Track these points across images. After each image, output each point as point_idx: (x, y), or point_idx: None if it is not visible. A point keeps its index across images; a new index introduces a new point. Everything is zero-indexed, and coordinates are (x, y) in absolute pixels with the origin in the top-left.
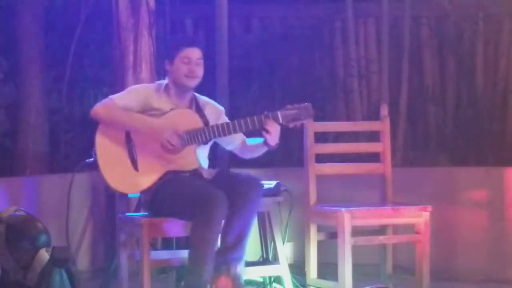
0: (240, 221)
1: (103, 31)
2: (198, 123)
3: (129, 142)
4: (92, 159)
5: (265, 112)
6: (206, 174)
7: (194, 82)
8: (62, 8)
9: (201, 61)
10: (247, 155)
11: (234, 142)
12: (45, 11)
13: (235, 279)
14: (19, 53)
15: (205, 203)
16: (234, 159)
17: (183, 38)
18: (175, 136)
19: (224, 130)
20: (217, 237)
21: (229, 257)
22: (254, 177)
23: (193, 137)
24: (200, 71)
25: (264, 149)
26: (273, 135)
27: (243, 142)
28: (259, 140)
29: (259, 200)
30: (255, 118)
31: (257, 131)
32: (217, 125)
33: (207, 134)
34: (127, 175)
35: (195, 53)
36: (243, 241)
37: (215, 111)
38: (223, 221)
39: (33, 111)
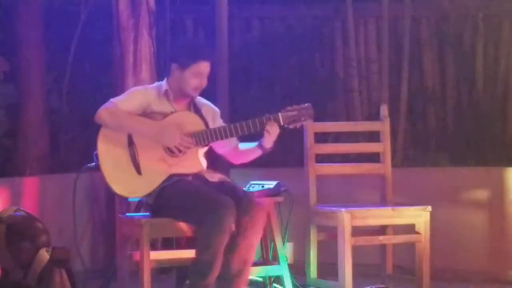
0: (245, 247)
1: (103, 31)
2: (200, 125)
3: (131, 145)
4: (94, 163)
5: (266, 115)
6: (209, 177)
7: (198, 93)
8: (62, 8)
9: (208, 73)
10: (239, 160)
11: (227, 146)
12: (45, 11)
13: None
14: (19, 53)
15: (215, 210)
16: None
17: (200, 49)
18: (186, 137)
19: (227, 133)
20: (225, 241)
21: (234, 283)
22: (259, 202)
23: (196, 140)
24: (206, 83)
25: (258, 153)
26: (272, 137)
27: (236, 147)
28: (253, 144)
29: (263, 225)
30: (257, 120)
31: (256, 134)
32: (219, 128)
33: (209, 136)
34: (130, 179)
35: (208, 68)
36: (248, 266)
37: (212, 113)
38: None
39: (33, 111)
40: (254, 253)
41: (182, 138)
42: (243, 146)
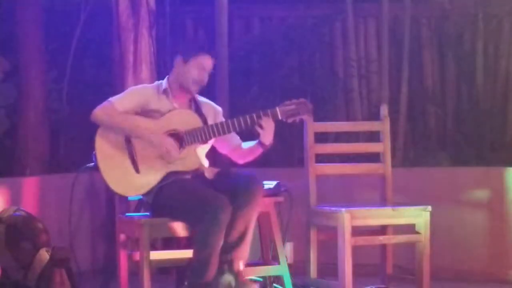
0: (242, 219)
1: (103, 31)
2: (197, 122)
3: (129, 143)
4: (93, 163)
5: (263, 111)
6: (208, 173)
7: (197, 89)
8: (62, 8)
9: (211, 71)
10: (242, 159)
11: (229, 145)
12: (45, 11)
13: (239, 276)
14: (19, 53)
15: (209, 209)
16: None
17: (205, 44)
18: (174, 145)
19: (224, 129)
20: (221, 241)
21: (232, 255)
22: (254, 175)
23: (193, 137)
24: (207, 80)
25: (259, 150)
26: (269, 132)
27: (239, 146)
28: (254, 142)
29: (260, 198)
30: (254, 115)
31: (254, 133)
32: (216, 124)
33: (206, 133)
34: (129, 177)
35: (210, 62)
36: (246, 239)
37: (213, 111)
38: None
39: (33, 111)
40: (253, 228)
41: (170, 146)
42: (246, 145)
